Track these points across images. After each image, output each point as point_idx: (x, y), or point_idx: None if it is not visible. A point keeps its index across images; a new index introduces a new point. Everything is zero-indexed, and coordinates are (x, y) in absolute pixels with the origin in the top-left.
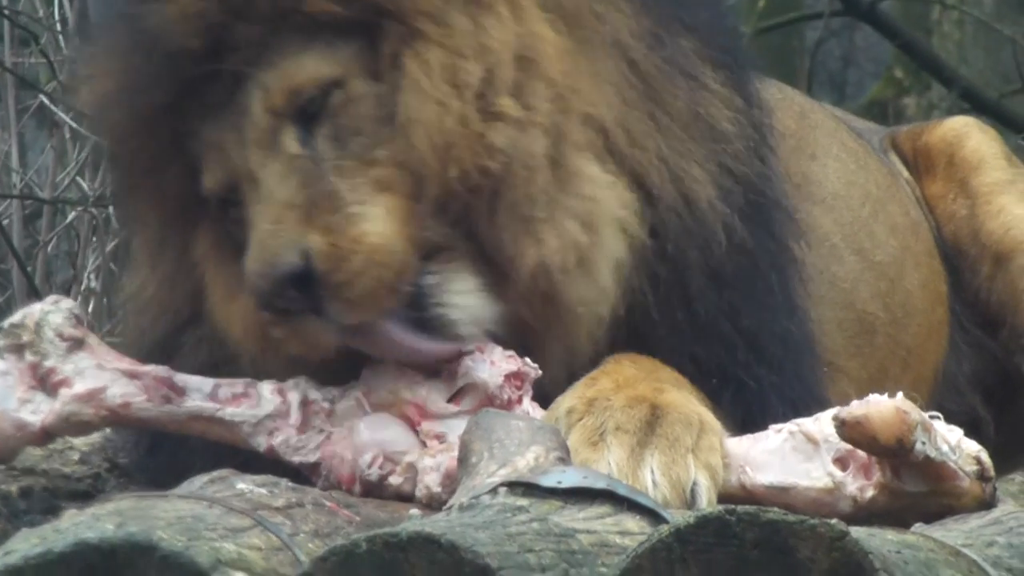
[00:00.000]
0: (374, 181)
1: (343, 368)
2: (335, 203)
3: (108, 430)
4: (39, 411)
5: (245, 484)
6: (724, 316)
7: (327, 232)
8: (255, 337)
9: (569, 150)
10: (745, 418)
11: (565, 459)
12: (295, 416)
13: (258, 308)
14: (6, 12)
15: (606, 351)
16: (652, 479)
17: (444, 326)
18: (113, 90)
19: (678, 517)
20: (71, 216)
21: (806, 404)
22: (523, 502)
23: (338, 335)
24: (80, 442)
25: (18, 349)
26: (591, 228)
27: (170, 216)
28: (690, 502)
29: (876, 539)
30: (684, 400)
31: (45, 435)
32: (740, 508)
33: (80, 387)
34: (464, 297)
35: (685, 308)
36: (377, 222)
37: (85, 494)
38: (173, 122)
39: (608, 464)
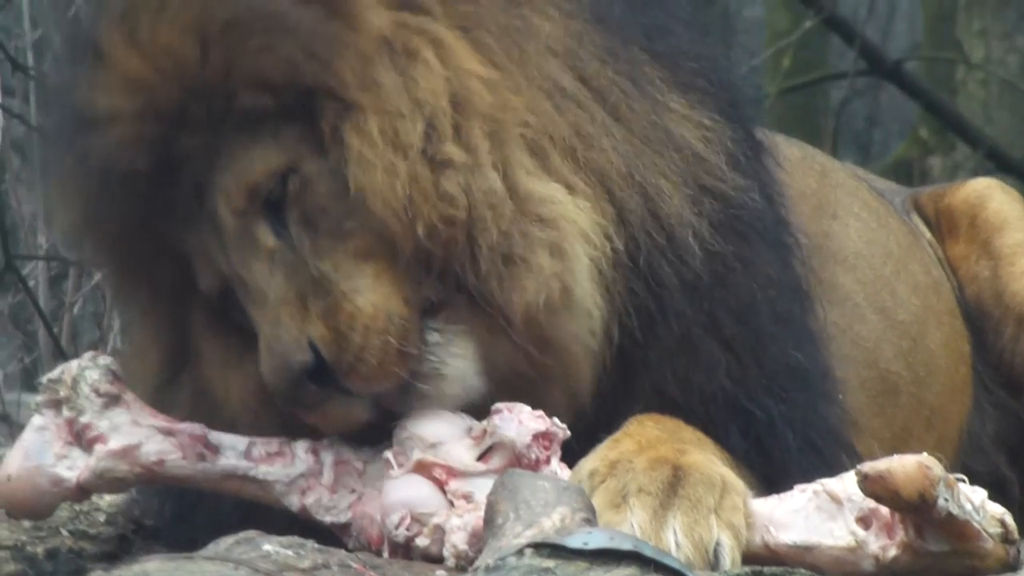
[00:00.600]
0: (353, 253)
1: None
2: (324, 286)
3: (134, 491)
4: (75, 467)
5: (271, 545)
6: (709, 333)
7: (325, 318)
8: (252, 409)
9: (520, 176)
10: (755, 452)
11: (591, 520)
12: (328, 476)
13: (284, 407)
14: (32, 72)
15: (602, 380)
16: (675, 540)
17: (436, 388)
18: (80, 220)
19: None
20: (97, 277)
21: (821, 437)
22: (549, 563)
23: (368, 409)
24: (106, 503)
25: (56, 404)
26: (561, 252)
27: (162, 300)
28: (713, 562)
29: None
30: (707, 461)
31: (81, 491)
32: (767, 569)
33: (115, 443)
34: (457, 361)
35: (666, 326)
36: (367, 293)
37: (111, 555)
38: (152, 234)
39: (631, 526)
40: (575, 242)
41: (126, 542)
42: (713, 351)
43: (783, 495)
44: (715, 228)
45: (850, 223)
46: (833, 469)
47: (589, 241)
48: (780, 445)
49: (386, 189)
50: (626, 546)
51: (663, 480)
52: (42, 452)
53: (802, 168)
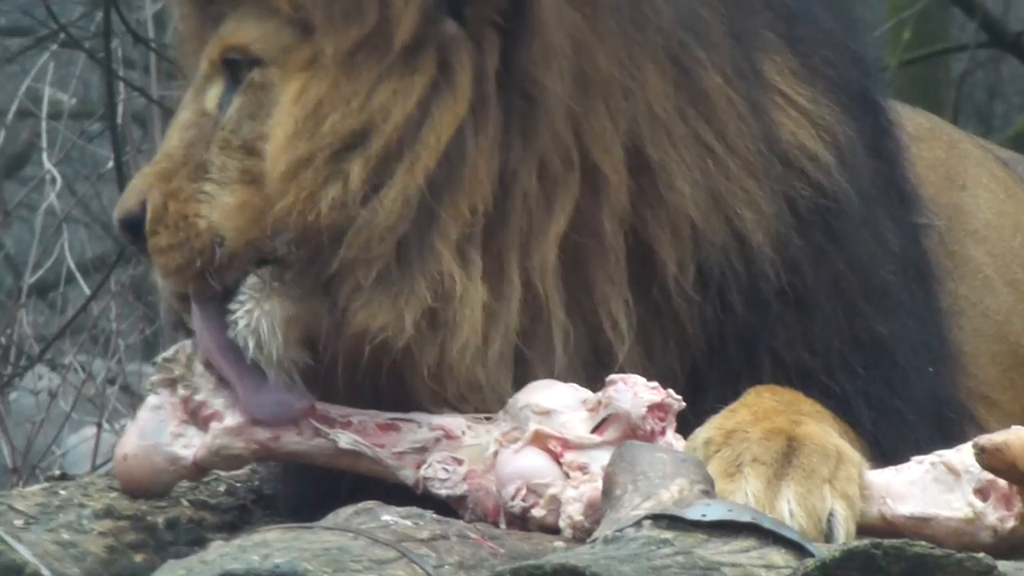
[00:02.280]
0: (243, 170)
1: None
2: (199, 174)
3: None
4: (191, 445)
5: (390, 516)
6: (784, 347)
7: (172, 195)
8: None
9: (435, 237)
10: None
11: (709, 492)
12: (442, 449)
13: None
14: (152, 45)
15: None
16: (788, 509)
17: (236, 336)
18: None
19: (823, 550)
20: None
21: (913, 410)
22: (668, 535)
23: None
24: (226, 473)
25: (171, 383)
26: (438, 322)
27: None
28: (827, 532)
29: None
30: (822, 432)
31: (197, 469)
32: (886, 542)
33: (230, 420)
34: (267, 320)
35: (730, 348)
36: (217, 211)
37: (231, 525)
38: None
39: (745, 495)
40: (465, 319)
41: (246, 512)
42: (799, 363)
43: (900, 467)
44: (804, 221)
45: (980, 194)
46: (931, 444)
47: (480, 325)
48: (857, 420)
49: (278, 152)
50: (744, 518)
51: (778, 450)
52: (158, 431)
53: (931, 139)
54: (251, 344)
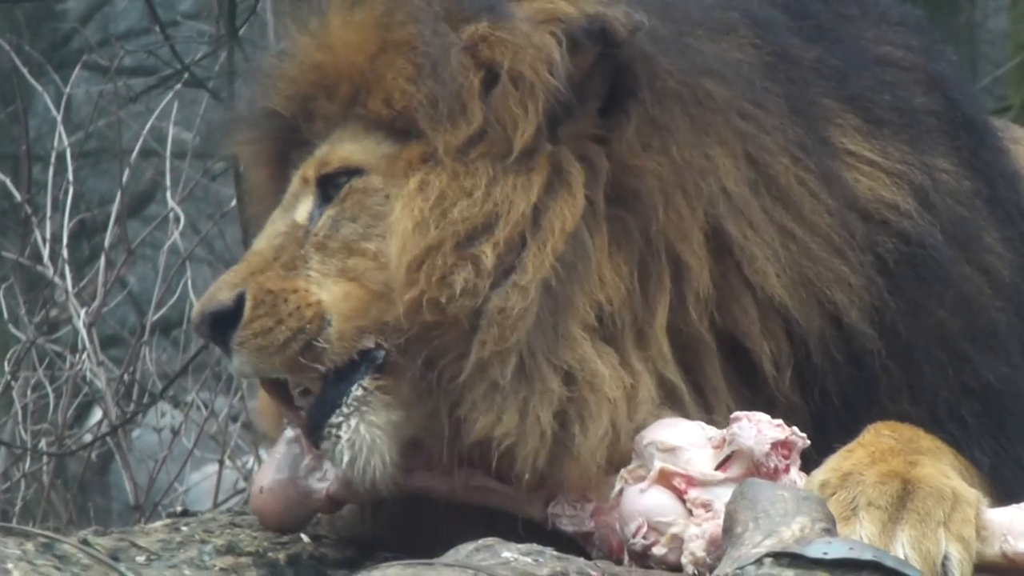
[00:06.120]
0: (343, 269)
1: None
2: (295, 264)
3: None
4: (326, 479)
5: (510, 552)
6: (885, 398)
7: (273, 282)
8: None
9: (567, 323)
10: None
11: (831, 530)
12: None
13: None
14: None
15: None
16: (903, 553)
17: (329, 448)
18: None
19: None
20: None
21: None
22: (789, 573)
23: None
24: (347, 509)
25: None
26: (571, 416)
27: None
28: (942, 575)
29: None
30: (938, 473)
31: (331, 503)
32: None
33: None
34: (369, 435)
35: (831, 421)
36: (325, 293)
37: (352, 562)
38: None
39: (860, 538)
40: (602, 410)
41: (368, 549)
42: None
43: (1022, 504)
44: (894, 276)
45: None
46: None
47: (618, 414)
48: (976, 464)
49: (407, 238)
50: (866, 556)
51: (892, 494)
52: (294, 465)
53: None
54: (345, 459)
